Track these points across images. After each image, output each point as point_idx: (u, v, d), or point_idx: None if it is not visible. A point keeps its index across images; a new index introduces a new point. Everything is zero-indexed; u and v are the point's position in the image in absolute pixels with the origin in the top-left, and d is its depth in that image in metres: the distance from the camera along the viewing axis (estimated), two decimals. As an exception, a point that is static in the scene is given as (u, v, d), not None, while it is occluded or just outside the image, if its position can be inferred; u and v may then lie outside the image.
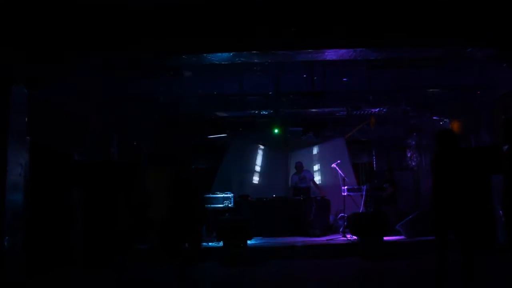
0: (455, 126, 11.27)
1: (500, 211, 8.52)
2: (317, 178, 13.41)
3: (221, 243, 9.30)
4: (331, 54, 7.19)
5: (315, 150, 14.71)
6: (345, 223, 10.91)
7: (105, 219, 9.24)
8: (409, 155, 14.55)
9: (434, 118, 11.96)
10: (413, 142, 14.29)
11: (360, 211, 11.19)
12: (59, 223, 8.57)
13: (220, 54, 7.07)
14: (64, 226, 8.69)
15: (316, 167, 14.40)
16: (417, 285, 6.28)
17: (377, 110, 11.75)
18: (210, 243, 9.94)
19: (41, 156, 8.31)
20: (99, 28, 6.61)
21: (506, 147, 5.39)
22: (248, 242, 9.32)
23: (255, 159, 14.64)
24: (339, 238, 10.59)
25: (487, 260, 7.16)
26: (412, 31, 6.70)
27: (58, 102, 9.04)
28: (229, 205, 11.52)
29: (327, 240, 10.35)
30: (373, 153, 14.85)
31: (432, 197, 5.49)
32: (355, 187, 12.21)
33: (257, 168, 14.55)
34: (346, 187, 11.47)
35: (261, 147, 14.74)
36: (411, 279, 6.91)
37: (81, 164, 9.47)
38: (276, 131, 12.65)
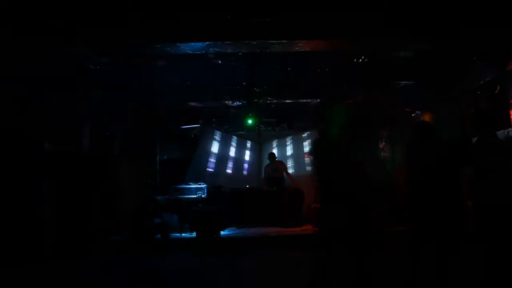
0: (427, 118, 11.43)
1: (468, 202, 8.68)
2: (291, 169, 13.45)
3: (194, 234, 9.28)
4: (304, 45, 7.20)
5: (288, 141, 14.76)
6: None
7: (77, 210, 9.12)
8: (382, 146, 14.69)
9: (406, 110, 12.10)
10: (386, 134, 14.43)
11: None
12: (29, 215, 8.42)
13: (194, 43, 7.01)
14: (34, 218, 8.53)
15: (289, 158, 14.45)
16: (390, 274, 6.36)
17: (351, 101, 11.82)
18: (183, 234, 9.90)
19: (9, 146, 8.14)
20: (73, 15, 6.49)
21: (475, 139, 5.48)
22: (222, 232, 9.32)
23: (229, 150, 14.61)
24: (312, 228, 10.66)
25: (456, 249, 7.30)
26: (386, 23, 6.76)
27: (28, 90, 8.87)
28: (202, 195, 11.49)
29: (300, 230, 10.40)
30: (346, 144, 14.94)
31: (407, 187, 5.58)
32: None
33: (231, 159, 14.53)
34: (319, 178, 11.52)
35: (235, 137, 14.71)
36: (383, 268, 7.00)
37: (51, 154, 9.30)
38: (249, 121, 12.65)
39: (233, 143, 14.74)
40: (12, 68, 7.61)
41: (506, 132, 7.91)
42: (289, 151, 14.69)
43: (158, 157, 14.33)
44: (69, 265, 8.08)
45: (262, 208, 11.71)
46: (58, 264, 8.19)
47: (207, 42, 6.98)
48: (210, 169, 13.83)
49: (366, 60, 8.66)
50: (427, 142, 5.37)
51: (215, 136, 14.29)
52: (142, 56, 8.42)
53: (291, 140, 14.73)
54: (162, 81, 9.96)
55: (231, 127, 14.39)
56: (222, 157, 14.34)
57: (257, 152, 14.88)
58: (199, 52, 7.64)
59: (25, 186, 8.46)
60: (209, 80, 9.76)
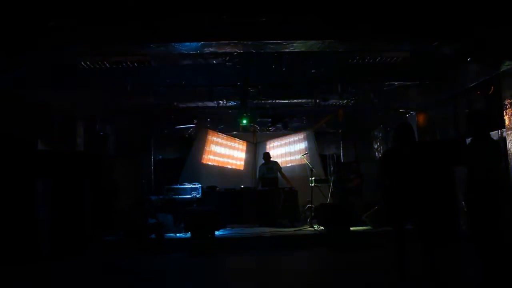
0: (421, 119, 11.47)
1: (462, 202, 8.74)
2: (285, 169, 13.45)
3: (188, 234, 9.28)
4: (300, 45, 7.21)
5: (283, 141, 14.77)
6: (313, 214, 11.01)
7: (72, 210, 9.09)
8: (376, 146, 14.76)
9: (400, 110, 12.14)
10: (380, 134, 14.49)
11: (327, 202, 11.31)
12: (24, 215, 8.39)
13: (188, 43, 7.00)
14: (30, 218, 8.51)
15: (284, 158, 14.46)
16: (382, 274, 6.38)
17: (345, 102, 11.85)
18: (177, 234, 9.90)
19: (3, 146, 8.11)
20: (67, 13, 6.46)
21: (469, 139, 5.52)
22: (216, 233, 9.33)
23: (223, 149, 14.60)
24: (306, 228, 10.68)
25: (449, 249, 7.35)
26: (381, 24, 6.77)
27: (22, 90, 8.85)
28: (197, 196, 11.50)
29: (294, 230, 10.41)
30: (341, 145, 15.00)
31: (381, 190, 5.62)
32: (323, 178, 12.34)
33: (225, 159, 14.53)
34: (313, 178, 11.56)
35: (229, 137, 14.71)
36: (377, 268, 7.02)
37: (46, 154, 9.27)
38: (244, 121, 12.65)
39: (228, 143, 14.73)
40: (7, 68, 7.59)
41: (499, 133, 7.96)
42: (284, 151, 14.70)
43: (152, 157, 14.33)
44: (64, 265, 8.06)
45: (257, 208, 11.74)
46: (52, 263, 8.17)
47: (202, 42, 6.97)
48: (205, 169, 13.83)
49: (360, 60, 8.68)
50: (408, 145, 5.39)
51: (209, 136, 14.29)
52: (136, 56, 8.39)
53: (286, 140, 14.74)
54: (157, 81, 9.93)
55: (225, 127, 14.40)
56: (217, 157, 14.35)
57: (251, 152, 14.88)
58: (194, 52, 7.63)
59: (21, 186, 8.43)
60: (204, 80, 9.75)
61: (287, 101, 11.67)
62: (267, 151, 13.64)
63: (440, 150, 8.78)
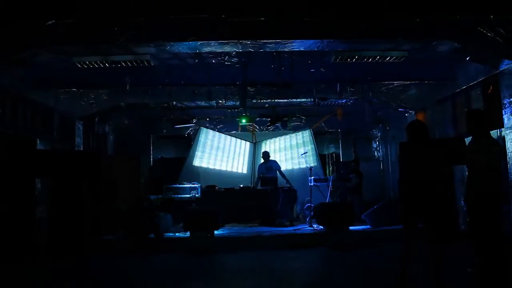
0: (420, 118, 11.46)
1: (462, 201, 8.75)
2: (284, 168, 13.45)
3: (188, 234, 9.28)
4: (299, 45, 7.21)
5: (282, 140, 14.77)
6: (312, 213, 11.00)
7: (70, 209, 9.08)
8: (375, 146, 14.77)
9: (399, 110, 12.14)
10: (379, 133, 14.51)
11: (327, 201, 11.31)
12: (23, 214, 8.39)
13: (187, 43, 7.00)
14: (28, 217, 8.50)
15: (283, 157, 14.46)
16: (383, 273, 6.39)
17: (344, 101, 11.87)
18: (177, 234, 9.89)
19: (2, 145, 8.11)
20: (66, 13, 6.47)
21: (469, 138, 5.51)
22: (215, 232, 9.32)
23: (222, 149, 14.60)
24: (305, 228, 10.67)
25: (449, 249, 7.35)
26: (379, 24, 6.77)
27: (22, 90, 8.85)
28: (196, 195, 11.48)
29: (294, 230, 10.41)
30: (340, 144, 15.01)
31: (400, 187, 5.62)
32: (322, 178, 12.33)
33: (224, 158, 14.52)
34: (312, 177, 11.55)
35: (228, 137, 14.71)
36: (377, 267, 7.03)
37: (45, 154, 9.26)
38: (243, 121, 12.64)
39: (227, 143, 14.72)
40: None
41: (498, 132, 7.96)
42: (283, 150, 14.69)
43: (152, 157, 14.33)
44: (63, 264, 8.05)
45: (256, 207, 11.70)
46: (51, 263, 8.16)
47: (201, 41, 6.97)
48: (204, 169, 13.84)
49: (359, 60, 8.68)
50: (420, 142, 5.40)
51: (208, 135, 14.29)
52: (136, 55, 8.40)
53: (285, 140, 14.73)
54: (156, 81, 9.94)
55: (225, 126, 14.40)
56: (216, 156, 14.34)
57: (251, 151, 14.88)
58: (193, 52, 7.64)
59: (20, 186, 8.42)
60: (203, 79, 9.75)
61: (286, 100, 11.69)
62: (266, 150, 13.63)
63: (441, 148, 8.77)
